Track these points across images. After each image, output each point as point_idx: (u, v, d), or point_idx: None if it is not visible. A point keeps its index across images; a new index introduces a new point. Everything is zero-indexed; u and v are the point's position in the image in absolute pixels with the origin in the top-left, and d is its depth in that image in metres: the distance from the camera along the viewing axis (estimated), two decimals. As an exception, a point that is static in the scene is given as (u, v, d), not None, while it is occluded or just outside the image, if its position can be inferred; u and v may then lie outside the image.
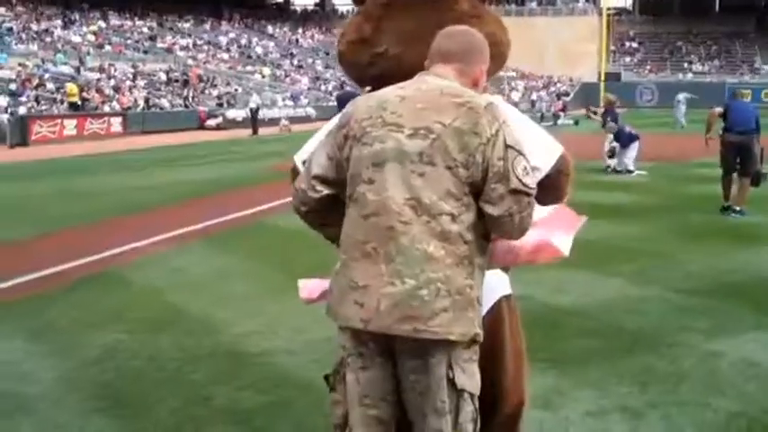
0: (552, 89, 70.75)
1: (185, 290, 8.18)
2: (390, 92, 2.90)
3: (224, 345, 6.41)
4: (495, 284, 3.31)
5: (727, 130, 12.69)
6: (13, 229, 12.01)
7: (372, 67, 3.33)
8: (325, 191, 2.93)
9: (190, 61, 55.92)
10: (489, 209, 2.75)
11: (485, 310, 3.10)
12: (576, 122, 41.40)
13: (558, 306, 7.40)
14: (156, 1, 65.97)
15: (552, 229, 3.17)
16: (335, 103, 24.19)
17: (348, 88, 28.73)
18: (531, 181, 2.78)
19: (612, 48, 79.82)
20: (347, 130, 2.89)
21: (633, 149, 18.75)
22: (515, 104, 61.47)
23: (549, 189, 3.10)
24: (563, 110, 47.62)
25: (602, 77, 65.24)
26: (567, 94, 64.95)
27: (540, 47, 77.51)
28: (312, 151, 3.04)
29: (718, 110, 13.13)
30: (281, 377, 5.67)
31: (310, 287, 3.35)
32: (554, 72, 77.09)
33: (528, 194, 2.76)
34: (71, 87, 37.33)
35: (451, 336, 2.69)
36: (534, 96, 65.99)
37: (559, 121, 43.59)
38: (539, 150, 3.07)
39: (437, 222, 2.70)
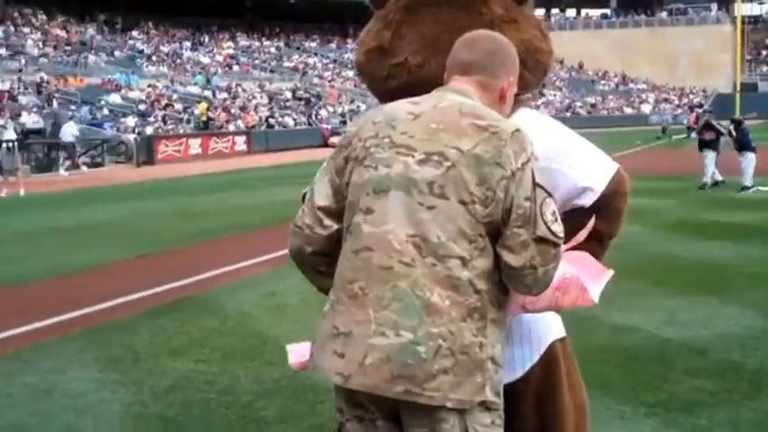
0: (685, 101, 68.58)
1: (275, 317, 7.87)
2: (402, 107, 2.44)
3: (303, 378, 6.04)
4: (548, 325, 2.80)
5: None
6: (120, 251, 12.01)
7: (391, 79, 2.85)
8: (335, 225, 2.44)
9: (316, 80, 56.55)
10: (509, 257, 2.27)
11: (536, 356, 2.68)
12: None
13: (667, 339, 6.72)
14: (284, 20, 66.96)
15: (581, 271, 2.63)
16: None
17: None
18: (560, 229, 2.30)
19: (748, 57, 76.93)
20: (349, 151, 2.43)
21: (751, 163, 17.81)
22: (646, 117, 59.95)
23: (604, 212, 2.63)
24: (696, 122, 45.77)
25: (738, 88, 62.81)
26: (700, 106, 62.78)
27: (672, 58, 75.44)
28: (315, 180, 2.57)
29: None
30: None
31: (299, 351, 2.87)
32: (687, 83, 74.77)
33: (556, 245, 2.30)
34: (202, 106, 38.12)
35: (449, 403, 2.20)
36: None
37: (692, 135, 41.93)
38: (590, 167, 2.63)
39: (444, 266, 2.24)
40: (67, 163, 29.68)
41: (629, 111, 67.76)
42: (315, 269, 2.56)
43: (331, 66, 63.08)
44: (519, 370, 2.70)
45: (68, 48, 46.05)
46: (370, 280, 2.27)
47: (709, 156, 18.59)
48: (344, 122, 46.50)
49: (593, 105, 69.74)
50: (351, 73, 62.07)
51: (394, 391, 2.19)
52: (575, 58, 79.08)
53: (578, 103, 69.22)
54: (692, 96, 71.38)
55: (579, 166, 2.58)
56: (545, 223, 2.26)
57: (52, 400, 5.73)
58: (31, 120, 30.86)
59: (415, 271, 2.23)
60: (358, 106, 51.25)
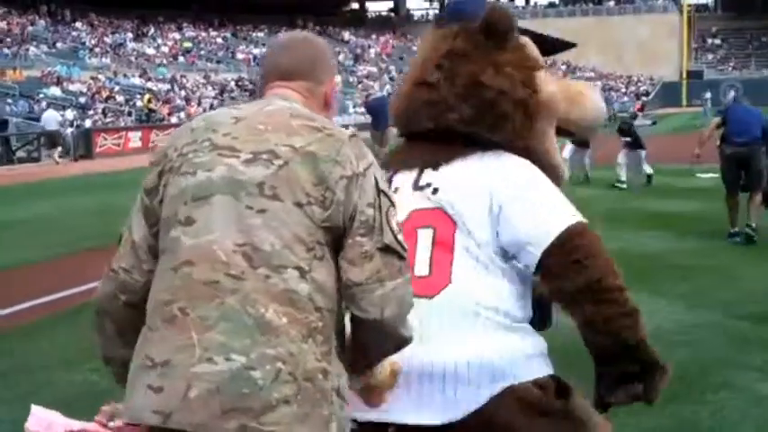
0: (632, 89, 69.00)
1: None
2: (223, 112, 2.18)
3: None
4: (513, 360, 2.36)
5: (724, 140, 10.76)
6: (34, 251, 11.50)
7: None
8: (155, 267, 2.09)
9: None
10: (351, 272, 1.98)
11: (483, 398, 2.29)
12: (654, 122, 39.90)
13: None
14: (231, 12, 66.29)
15: None
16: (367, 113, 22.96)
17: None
18: (404, 242, 2.05)
19: (694, 45, 77.66)
20: (163, 164, 2.09)
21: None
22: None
23: (552, 279, 2.39)
24: (641, 109, 46.03)
25: (685, 75, 63.32)
26: (647, 94, 63.24)
27: (619, 46, 75.95)
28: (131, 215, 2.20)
29: (716, 120, 11.36)
30: None
31: (43, 418, 2.43)
32: (634, 72, 75.27)
33: (401, 257, 2.03)
34: (146, 98, 37.53)
35: None
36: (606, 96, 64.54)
37: (636, 122, 42.09)
38: (543, 216, 2.39)
39: (280, 278, 1.92)
40: (59, 149, 29.03)
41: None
42: (120, 328, 2.17)
43: (278, 56, 62.44)
44: (454, 412, 2.30)
45: (9, 39, 45.02)
46: (192, 299, 1.92)
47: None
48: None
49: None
50: (298, 63, 61.58)
51: (226, 429, 1.83)
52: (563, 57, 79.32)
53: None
54: (639, 84, 71.87)
55: (530, 213, 2.36)
56: (392, 231, 2.01)
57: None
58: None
59: (246, 284, 1.91)
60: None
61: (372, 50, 73.46)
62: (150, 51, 52.67)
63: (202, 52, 56.67)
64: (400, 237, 2.03)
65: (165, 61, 50.79)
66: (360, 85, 60.14)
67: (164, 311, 1.94)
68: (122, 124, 35.66)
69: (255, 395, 1.84)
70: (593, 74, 72.72)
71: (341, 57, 67.59)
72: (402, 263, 2.02)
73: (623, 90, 69.14)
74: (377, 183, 2.05)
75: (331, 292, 1.99)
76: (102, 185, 21.07)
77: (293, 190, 1.97)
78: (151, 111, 37.97)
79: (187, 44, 56.84)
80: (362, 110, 51.29)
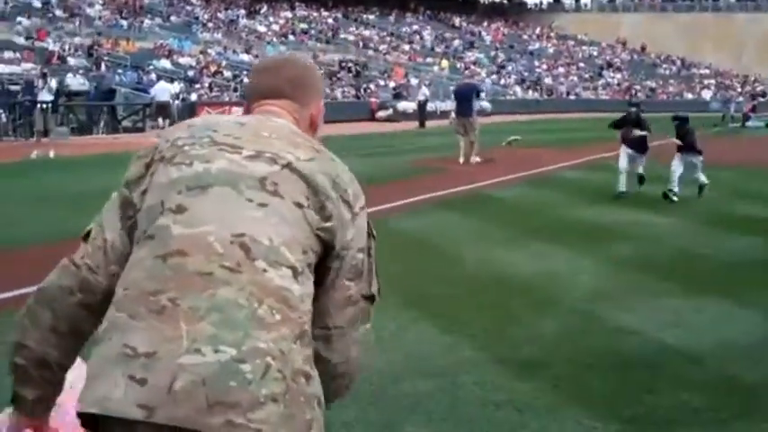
0: (748, 88, 66.71)
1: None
2: (226, 117, 2.18)
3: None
4: None
5: None
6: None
7: None
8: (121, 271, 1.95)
9: (370, 52, 56.09)
10: (335, 315, 2.01)
11: None
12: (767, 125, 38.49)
13: (665, 345, 6.14)
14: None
15: None
16: (454, 99, 22.47)
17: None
18: None
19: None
20: (152, 155, 2.01)
21: None
22: (706, 104, 58.37)
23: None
24: (753, 110, 44.45)
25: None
26: (763, 95, 61.01)
27: (738, 44, 73.51)
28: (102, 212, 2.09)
29: None
30: None
31: None
32: (752, 71, 72.74)
33: (374, 303, 2.11)
34: (253, 75, 37.97)
35: None
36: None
37: (748, 123, 40.71)
38: None
39: (276, 274, 1.83)
40: (167, 122, 29.62)
41: (689, 96, 66.10)
42: (58, 325, 2.01)
43: (388, 39, 62.48)
44: None
45: (125, 11, 46.12)
46: (184, 289, 1.80)
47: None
48: (397, 96, 45.98)
49: (652, 89, 68.23)
50: (407, 47, 61.53)
51: (211, 424, 1.69)
52: (637, 40, 77.56)
53: (637, 87, 67.75)
54: (756, 84, 69.40)
55: None
56: (377, 279, 2.08)
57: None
58: (76, 82, 30.82)
59: (242, 277, 1.81)
60: (409, 80, 50.64)
61: (483, 37, 72.78)
62: (261, 29, 53.27)
63: (312, 31, 57.01)
64: (380, 281, 2.07)
65: (274, 39, 51.28)
66: (467, 71, 59.66)
67: (149, 301, 1.80)
68: (227, 99, 36.08)
69: (244, 389, 1.72)
70: (707, 71, 70.64)
71: (455, 42, 67.29)
72: (373, 307, 2.06)
73: (738, 90, 66.93)
74: (369, 225, 2.06)
75: (309, 305, 1.90)
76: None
77: (294, 190, 1.92)
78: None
79: (301, 24, 57.26)
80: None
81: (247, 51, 45.99)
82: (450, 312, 7.03)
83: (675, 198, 13.72)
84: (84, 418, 1.81)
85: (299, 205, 1.91)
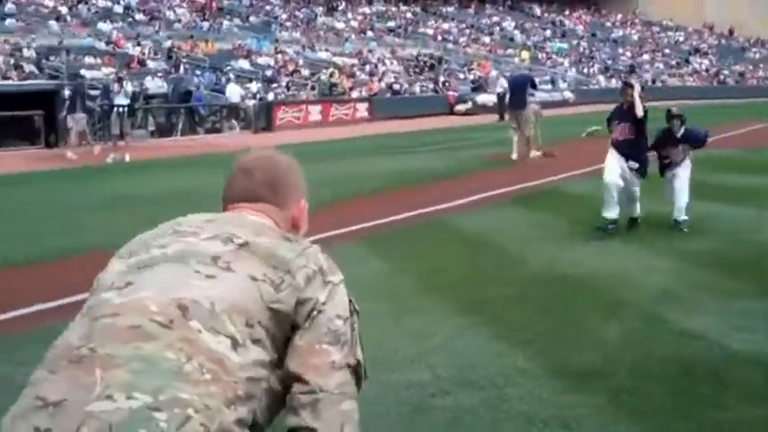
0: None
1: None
2: (196, 215, 2.15)
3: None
4: None
5: None
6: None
7: None
8: None
9: (450, 45, 55.69)
10: (318, 377, 1.87)
11: None
12: None
13: (730, 353, 5.71)
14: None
15: None
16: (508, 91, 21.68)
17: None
18: None
19: None
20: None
21: None
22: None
23: None
24: None
25: None
26: None
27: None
28: None
29: None
30: None
31: None
32: None
33: (360, 383, 1.98)
34: (330, 72, 38.00)
35: None
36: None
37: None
38: None
39: (212, 339, 1.73)
40: (237, 123, 29.82)
41: (780, 80, 64.14)
42: None
43: (467, 31, 61.95)
44: None
45: (204, 13, 46.55)
46: (107, 339, 1.67)
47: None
48: (476, 89, 45.45)
49: (741, 74, 66.26)
50: (487, 39, 60.90)
51: None
52: (725, 24, 75.46)
53: (726, 72, 65.87)
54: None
55: None
56: (362, 352, 1.97)
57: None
58: (155, 84, 31.15)
59: (172, 334, 1.68)
60: (488, 73, 50.06)
61: (565, 26, 71.64)
62: (339, 25, 53.27)
63: (391, 26, 56.82)
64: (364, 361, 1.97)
65: (353, 36, 51.25)
66: (549, 62, 58.81)
67: (72, 354, 1.68)
68: (304, 97, 36.11)
69: None
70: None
71: (536, 32, 66.38)
72: (359, 388, 1.95)
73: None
74: (351, 301, 1.99)
75: (259, 386, 1.77)
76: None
77: (251, 266, 1.87)
78: (333, 85, 38.34)
79: (380, 21, 57.16)
80: (549, 86, 50.21)
81: (328, 49, 46.01)
82: (506, 316, 6.71)
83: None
84: None
85: (254, 278, 1.85)
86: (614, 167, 9.86)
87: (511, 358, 5.67)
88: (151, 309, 1.74)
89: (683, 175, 10.08)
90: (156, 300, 1.76)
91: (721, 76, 64.45)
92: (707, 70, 66.56)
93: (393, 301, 7.15)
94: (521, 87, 19.74)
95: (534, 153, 18.92)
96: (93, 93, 26.67)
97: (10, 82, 25.67)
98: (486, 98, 41.69)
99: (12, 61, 29.09)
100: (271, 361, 1.82)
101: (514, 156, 18.83)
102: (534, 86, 21.08)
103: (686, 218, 10.02)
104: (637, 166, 9.88)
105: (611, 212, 9.84)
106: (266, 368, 1.81)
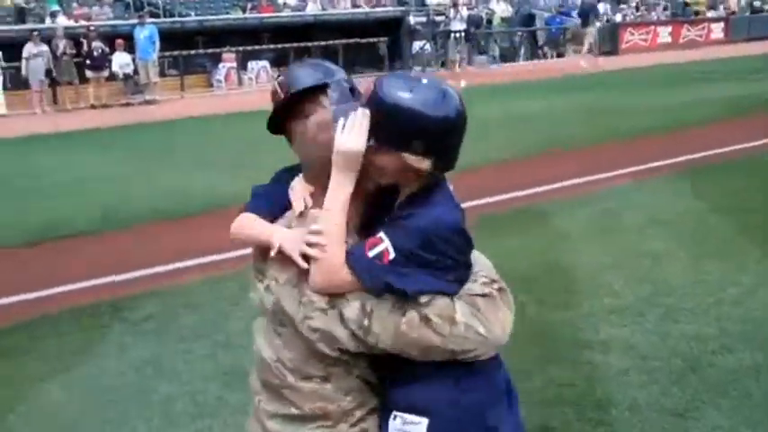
0: None
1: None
2: None
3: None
4: None
5: None
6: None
7: None
8: None
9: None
10: None
11: None
12: None
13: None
14: None
15: None
16: None
17: None
18: None
19: None
20: None
21: None
22: None
23: None
24: None
25: None
26: None
27: None
28: None
29: None
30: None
31: None
32: None
33: None
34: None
35: None
36: None
37: None
38: None
39: None
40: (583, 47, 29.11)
41: None
42: None
43: None
44: None
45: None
46: None
47: None
48: None
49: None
50: None
51: None
52: None
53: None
54: None
55: None
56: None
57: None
58: (500, 8, 30.93)
59: None
60: None
61: None
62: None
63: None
64: None
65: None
66: None
67: None
68: (654, 18, 34.41)
69: None
70: None
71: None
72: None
73: None
74: None
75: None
76: (605, 83, 20.52)
77: None
78: (686, 4, 36.15)
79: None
80: None
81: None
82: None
83: None
84: None
85: None
86: None
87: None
88: None
89: None
90: None
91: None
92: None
93: (696, 242, 6.64)
94: None
95: None
96: (438, 19, 27.18)
97: (359, 9, 26.58)
98: None
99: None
100: None
101: None
102: None
103: None
104: None
105: None
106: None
